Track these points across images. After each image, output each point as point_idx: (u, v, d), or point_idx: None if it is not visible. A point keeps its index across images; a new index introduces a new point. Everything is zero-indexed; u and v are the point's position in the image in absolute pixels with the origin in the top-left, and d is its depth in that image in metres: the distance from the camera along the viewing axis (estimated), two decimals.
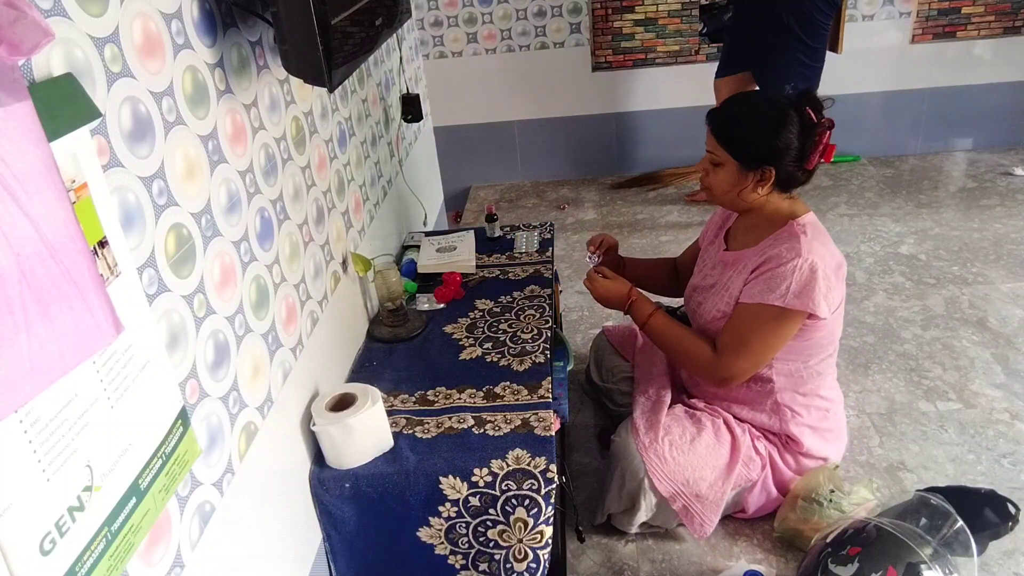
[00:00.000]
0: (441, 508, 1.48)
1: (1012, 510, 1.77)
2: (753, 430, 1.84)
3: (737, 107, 1.70)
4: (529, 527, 1.46)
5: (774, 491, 1.85)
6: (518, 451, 1.49)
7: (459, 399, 1.67)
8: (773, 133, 1.62)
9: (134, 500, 0.91)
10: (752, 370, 1.73)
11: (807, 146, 1.64)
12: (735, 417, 1.86)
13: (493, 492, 1.46)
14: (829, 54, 3.27)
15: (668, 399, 1.92)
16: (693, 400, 1.93)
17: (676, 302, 2.24)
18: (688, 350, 1.78)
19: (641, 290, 1.91)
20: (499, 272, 2.21)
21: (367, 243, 2.07)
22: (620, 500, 1.83)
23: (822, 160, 1.67)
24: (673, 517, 1.81)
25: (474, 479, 1.47)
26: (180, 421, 1.03)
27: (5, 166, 0.67)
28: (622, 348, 2.21)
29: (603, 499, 1.87)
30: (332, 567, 1.58)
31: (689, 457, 1.78)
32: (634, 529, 1.85)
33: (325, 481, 1.50)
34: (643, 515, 1.81)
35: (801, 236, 1.66)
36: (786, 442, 1.84)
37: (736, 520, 1.90)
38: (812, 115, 1.63)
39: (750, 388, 1.83)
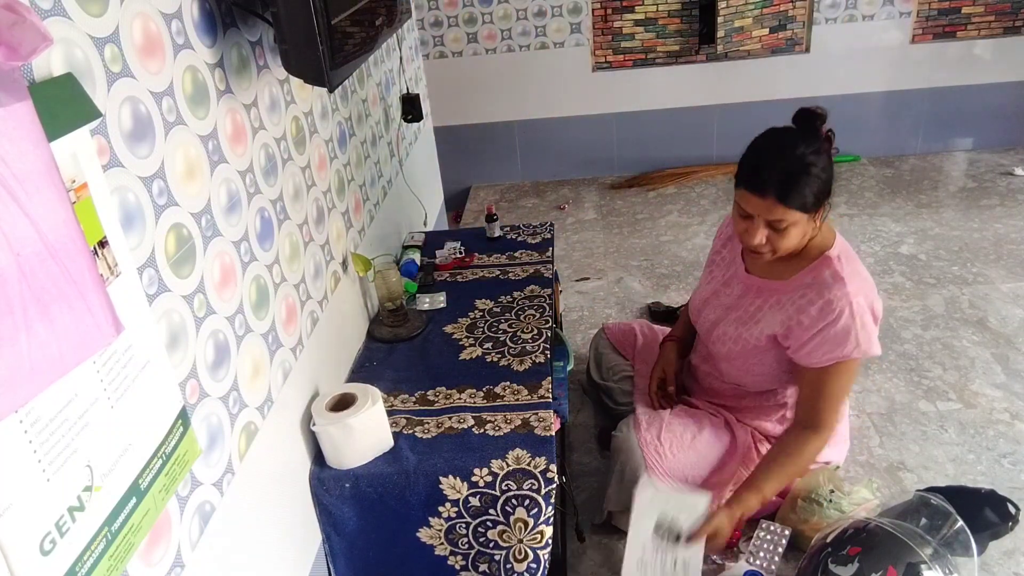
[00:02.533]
0: (441, 508, 1.48)
1: (1012, 510, 1.77)
2: (756, 433, 1.85)
3: (782, 160, 1.53)
4: (529, 527, 1.46)
5: None
6: (518, 451, 1.49)
7: (459, 399, 1.67)
8: (826, 174, 1.54)
9: (134, 500, 0.91)
10: (840, 419, 1.74)
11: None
12: (738, 420, 1.86)
13: (493, 492, 1.46)
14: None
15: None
16: (693, 400, 1.94)
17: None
18: (791, 457, 1.68)
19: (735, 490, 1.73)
20: (499, 272, 2.21)
21: (367, 243, 2.07)
22: (620, 496, 1.84)
23: None
24: None
25: (474, 479, 1.47)
26: (180, 421, 1.02)
27: (5, 166, 0.67)
28: (622, 347, 2.21)
29: (603, 496, 1.87)
30: (332, 568, 1.57)
31: (689, 454, 1.78)
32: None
33: (325, 481, 1.50)
34: None
35: (842, 274, 1.59)
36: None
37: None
38: (824, 131, 1.58)
39: (761, 403, 1.84)
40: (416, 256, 2.28)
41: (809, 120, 1.57)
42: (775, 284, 1.71)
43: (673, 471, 1.78)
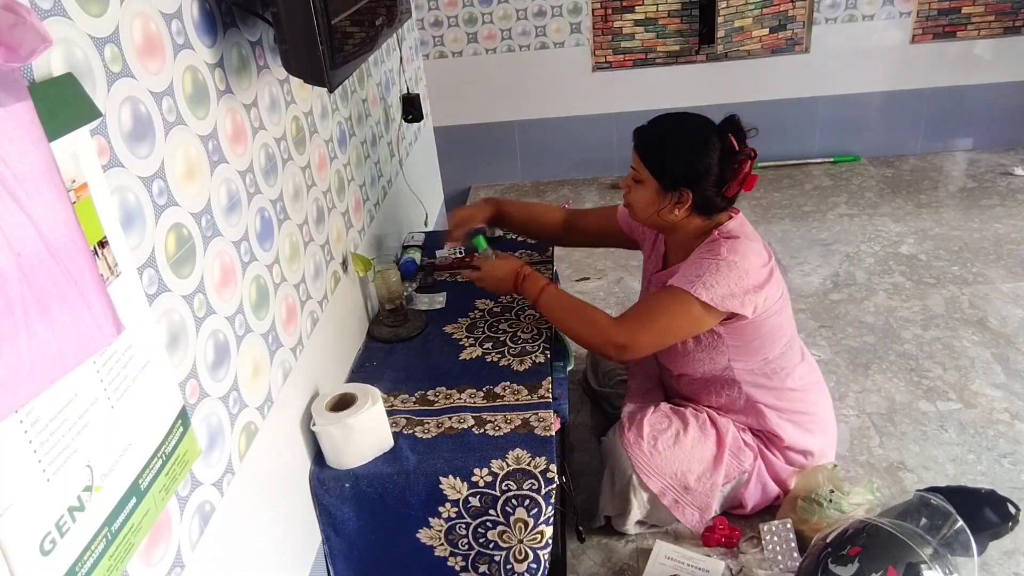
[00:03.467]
0: (441, 508, 1.48)
1: (1012, 510, 1.77)
2: (739, 425, 1.86)
3: (662, 127, 1.71)
4: (529, 527, 1.46)
5: (771, 485, 1.85)
6: (518, 451, 1.49)
7: (459, 399, 1.67)
8: (693, 157, 1.65)
9: (134, 500, 0.91)
10: (651, 347, 1.74)
11: (726, 173, 1.65)
12: (718, 413, 1.87)
13: (493, 492, 1.46)
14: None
15: (656, 400, 1.94)
16: (677, 401, 1.94)
17: None
18: (585, 316, 1.75)
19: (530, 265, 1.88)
20: None
21: (367, 243, 2.07)
22: (613, 501, 1.84)
23: (742, 189, 1.68)
24: (668, 514, 1.82)
25: (474, 479, 1.47)
26: (180, 421, 1.02)
27: (5, 166, 0.67)
28: None
29: (599, 502, 1.88)
30: (331, 568, 1.57)
31: (675, 451, 1.79)
32: (632, 530, 1.86)
33: (325, 481, 1.50)
34: (637, 513, 1.82)
35: (723, 240, 1.67)
36: (771, 438, 1.85)
37: (737, 518, 1.90)
38: (734, 142, 1.64)
39: (720, 394, 1.85)
40: (416, 256, 2.28)
41: (726, 125, 1.67)
42: (677, 267, 1.77)
43: (661, 469, 1.78)
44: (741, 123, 1.68)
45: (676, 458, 1.79)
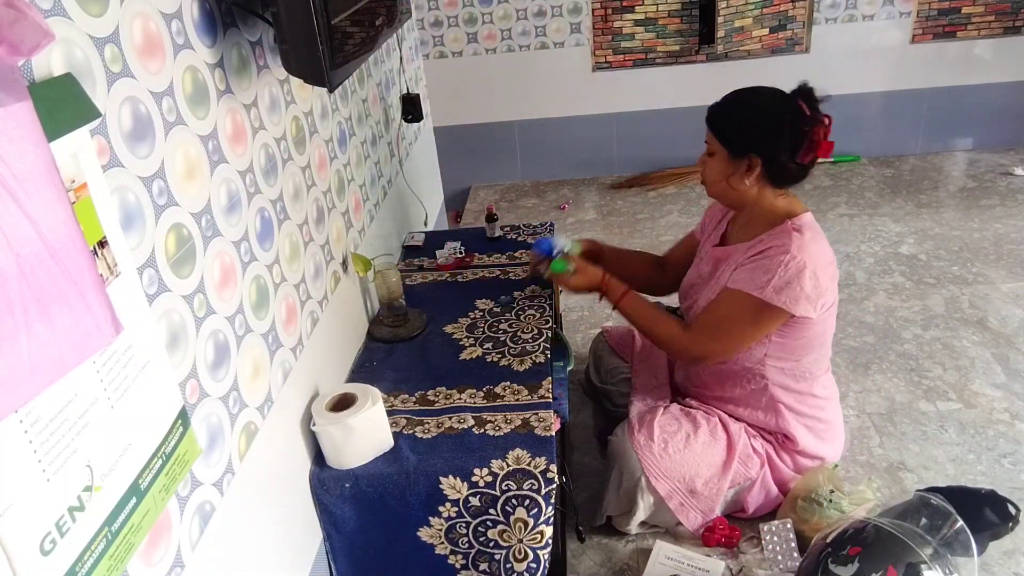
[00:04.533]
0: (441, 508, 1.48)
1: (1012, 510, 1.77)
2: (750, 429, 1.85)
3: (731, 96, 1.72)
4: (529, 527, 1.46)
5: (774, 490, 1.85)
6: (518, 451, 1.49)
7: (459, 399, 1.67)
8: (759, 120, 1.64)
9: (134, 500, 0.91)
10: (724, 354, 1.74)
11: (798, 138, 1.62)
12: (731, 416, 1.86)
13: (493, 492, 1.46)
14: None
15: (665, 400, 1.93)
16: (688, 400, 1.94)
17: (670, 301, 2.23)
18: (662, 327, 1.79)
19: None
20: (499, 272, 2.21)
21: (367, 243, 2.07)
22: (619, 501, 1.84)
23: (818, 156, 1.65)
24: (671, 516, 1.82)
25: (474, 479, 1.47)
26: (180, 421, 1.02)
27: (5, 166, 0.67)
28: (621, 349, 2.21)
29: (602, 500, 1.88)
30: (332, 567, 1.58)
31: (685, 455, 1.78)
32: (634, 530, 1.86)
33: (325, 481, 1.50)
34: (641, 514, 1.82)
35: (794, 234, 1.65)
36: (782, 441, 1.85)
37: (737, 519, 1.90)
38: (804, 108, 1.62)
39: (744, 387, 1.83)
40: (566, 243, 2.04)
41: (797, 92, 1.65)
42: (737, 246, 1.77)
43: (670, 472, 1.78)
44: (813, 90, 1.65)
45: (685, 461, 1.78)
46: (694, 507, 1.80)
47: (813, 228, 1.69)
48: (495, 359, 1.79)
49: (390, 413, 1.61)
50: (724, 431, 1.82)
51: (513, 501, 1.46)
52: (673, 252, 2.13)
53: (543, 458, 1.48)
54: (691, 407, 1.90)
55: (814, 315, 1.65)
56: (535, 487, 1.45)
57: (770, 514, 1.88)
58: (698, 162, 1.79)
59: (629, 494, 1.81)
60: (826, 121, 1.63)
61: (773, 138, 1.63)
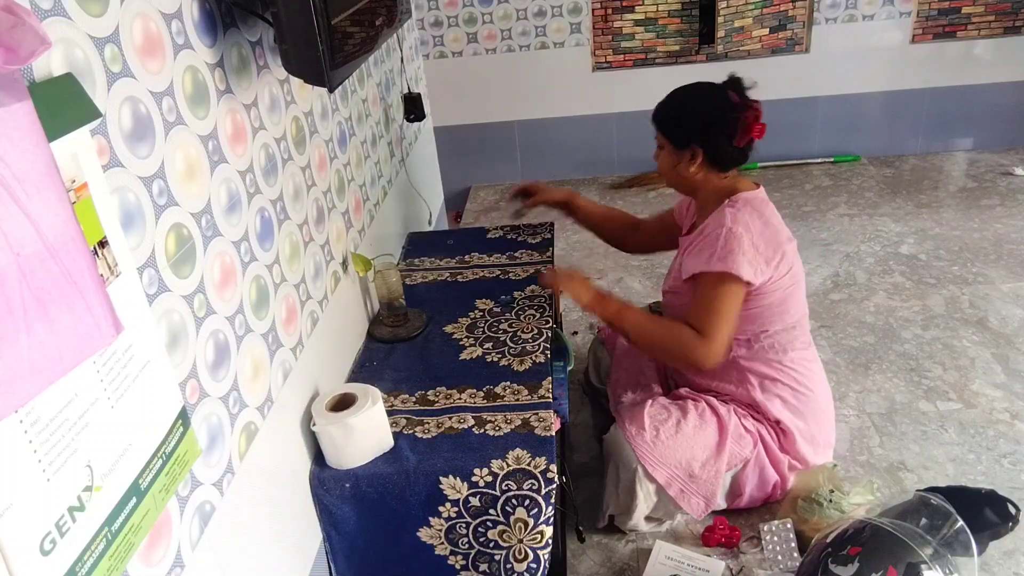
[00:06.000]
0: (441, 508, 1.48)
1: (1012, 510, 1.77)
2: (738, 409, 1.87)
3: (673, 95, 1.88)
4: (529, 527, 1.46)
5: (769, 469, 1.86)
6: (518, 451, 1.49)
7: (459, 399, 1.67)
8: (695, 113, 1.82)
9: (134, 500, 0.91)
10: (730, 338, 1.78)
11: (732, 125, 1.76)
12: (715, 395, 1.90)
13: (493, 492, 1.46)
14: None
15: (647, 382, 1.99)
16: (679, 391, 1.98)
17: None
18: (675, 333, 1.77)
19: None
20: (499, 272, 2.21)
21: (367, 243, 2.07)
22: (619, 497, 1.84)
23: (753, 138, 1.77)
24: (673, 506, 1.82)
25: (474, 479, 1.47)
26: (180, 421, 1.02)
27: (5, 166, 0.67)
28: (614, 348, 2.22)
29: (602, 501, 1.88)
30: (332, 567, 1.58)
31: (677, 440, 1.81)
32: (638, 526, 1.86)
33: (325, 481, 1.50)
34: (643, 507, 1.83)
35: (728, 210, 1.76)
36: (756, 411, 1.88)
37: (737, 518, 1.90)
38: (735, 97, 1.78)
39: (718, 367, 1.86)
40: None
41: (727, 83, 1.83)
42: (690, 234, 1.90)
43: (665, 458, 1.80)
44: (740, 79, 1.83)
45: (679, 446, 1.80)
46: (695, 492, 1.82)
47: (752, 202, 1.79)
48: (495, 359, 1.79)
49: (390, 413, 1.61)
50: (713, 413, 1.85)
51: (513, 501, 1.46)
52: (651, 219, 2.28)
53: (543, 458, 1.48)
54: (680, 396, 1.93)
55: (756, 281, 1.72)
56: (535, 487, 1.45)
57: (769, 512, 1.88)
58: (653, 157, 1.94)
59: (628, 487, 1.82)
60: (755, 106, 1.78)
61: (710, 127, 1.78)
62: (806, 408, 1.88)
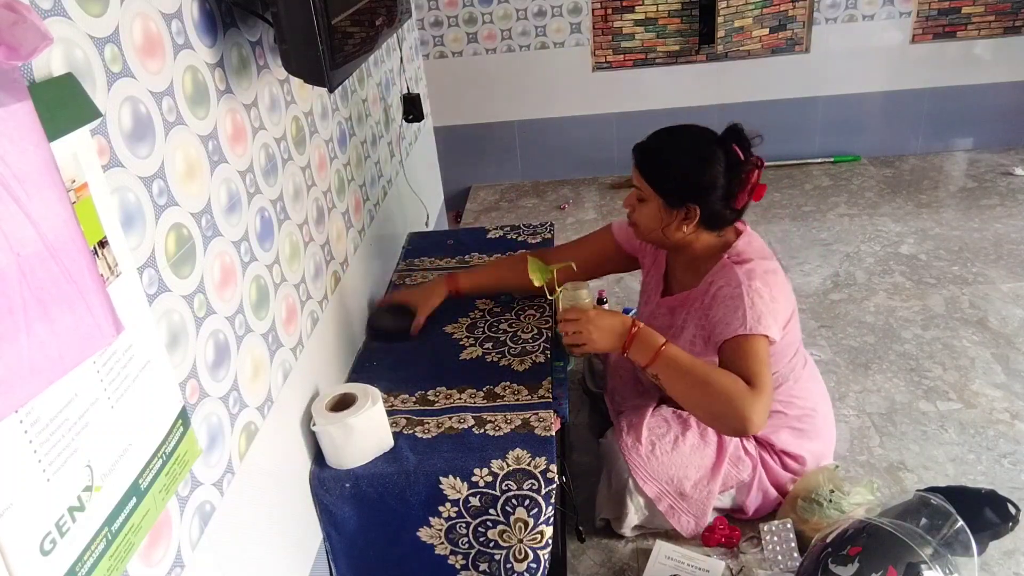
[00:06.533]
0: (441, 508, 1.48)
1: (1012, 510, 1.77)
2: None
3: (662, 141, 1.66)
4: (529, 527, 1.46)
5: (772, 491, 1.85)
6: (518, 451, 1.49)
7: (459, 399, 1.67)
8: (697, 170, 1.60)
9: (134, 500, 0.91)
10: (770, 400, 1.56)
11: (733, 184, 1.60)
12: None
13: (493, 492, 1.46)
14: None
15: (647, 393, 1.93)
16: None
17: None
18: (722, 382, 1.51)
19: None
20: None
21: (367, 243, 2.07)
22: (610, 503, 1.84)
23: (751, 199, 1.63)
24: (665, 520, 1.81)
25: (474, 479, 1.47)
26: (180, 421, 1.02)
27: (5, 166, 0.67)
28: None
29: (596, 503, 1.88)
30: (332, 567, 1.58)
31: (673, 457, 1.77)
32: (629, 532, 1.85)
33: (325, 481, 1.50)
34: (634, 517, 1.82)
35: (736, 269, 1.61)
36: (761, 443, 1.84)
37: (737, 520, 1.90)
38: (739, 152, 1.60)
39: None
40: None
41: (729, 135, 1.62)
42: (688, 293, 1.73)
43: (657, 473, 1.77)
44: (744, 131, 1.62)
45: (673, 463, 1.77)
46: (685, 511, 1.79)
47: (751, 249, 1.66)
48: (495, 359, 1.79)
49: (390, 413, 1.61)
50: (715, 433, 1.80)
51: (513, 501, 1.46)
52: (575, 250, 1.96)
53: (543, 458, 1.48)
54: (681, 409, 1.89)
55: (778, 336, 1.60)
56: (535, 487, 1.45)
57: (770, 514, 1.88)
58: (626, 204, 1.72)
59: (619, 496, 1.81)
60: (760, 164, 1.62)
61: (710, 187, 1.59)
62: (811, 427, 1.86)
